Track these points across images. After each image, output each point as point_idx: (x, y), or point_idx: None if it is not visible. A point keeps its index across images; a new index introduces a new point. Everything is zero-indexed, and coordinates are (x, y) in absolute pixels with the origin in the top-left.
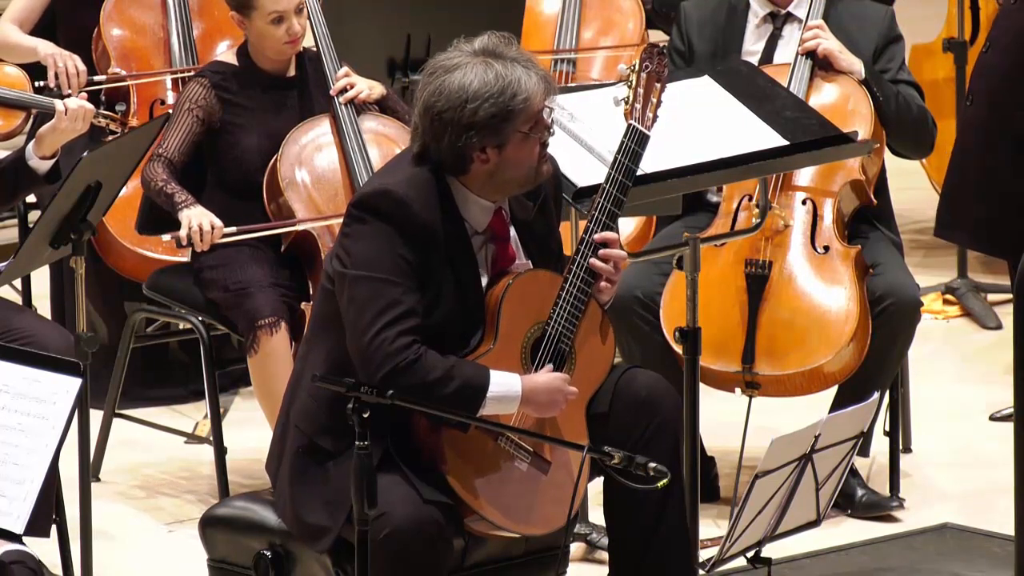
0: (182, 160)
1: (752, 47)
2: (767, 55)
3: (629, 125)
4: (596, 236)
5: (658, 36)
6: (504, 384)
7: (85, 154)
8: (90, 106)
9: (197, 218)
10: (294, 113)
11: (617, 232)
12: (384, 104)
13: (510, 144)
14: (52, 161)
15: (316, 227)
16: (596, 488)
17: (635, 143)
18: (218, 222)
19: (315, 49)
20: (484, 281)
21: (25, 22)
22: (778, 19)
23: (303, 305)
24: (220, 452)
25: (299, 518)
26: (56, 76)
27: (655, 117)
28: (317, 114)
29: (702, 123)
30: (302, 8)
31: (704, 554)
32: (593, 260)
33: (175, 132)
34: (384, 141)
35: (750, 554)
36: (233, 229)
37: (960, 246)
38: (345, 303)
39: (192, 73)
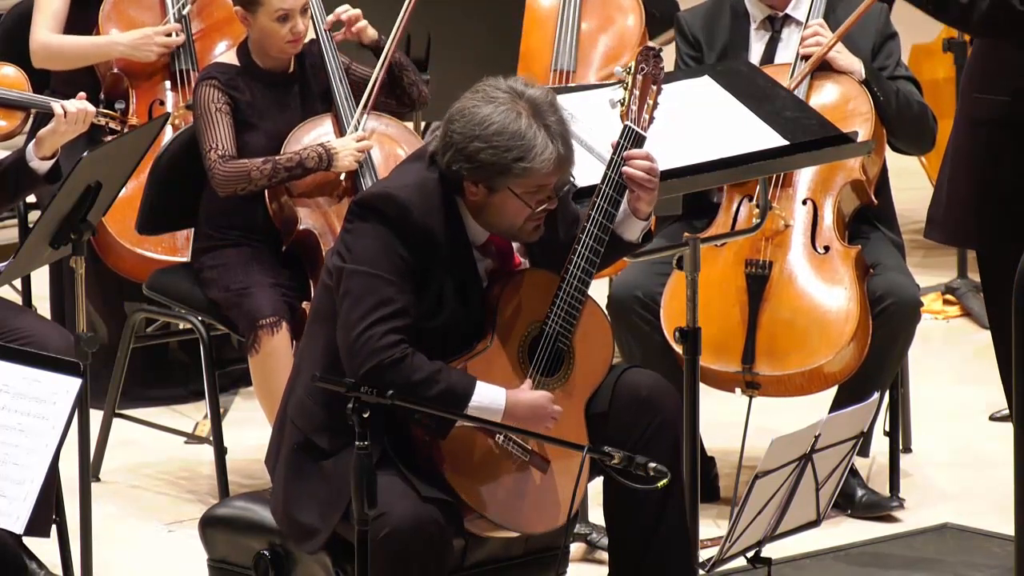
0: (237, 154)
1: (752, 51)
2: (767, 59)
3: (625, 126)
4: (625, 153)
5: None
6: (488, 396)
7: (85, 154)
8: (91, 107)
9: (346, 146)
10: (296, 111)
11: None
12: (378, 47)
13: (498, 193)
14: (52, 161)
15: (317, 226)
16: (596, 488)
17: (631, 144)
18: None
19: (315, 46)
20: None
21: (58, 27)
22: (776, 22)
23: (304, 304)
24: (220, 452)
25: (291, 516)
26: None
27: (651, 119)
28: (317, 109)
29: (702, 123)
30: (307, 8)
31: (704, 554)
32: (624, 169)
33: (219, 130)
34: (386, 141)
35: (750, 554)
36: None
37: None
38: (340, 296)
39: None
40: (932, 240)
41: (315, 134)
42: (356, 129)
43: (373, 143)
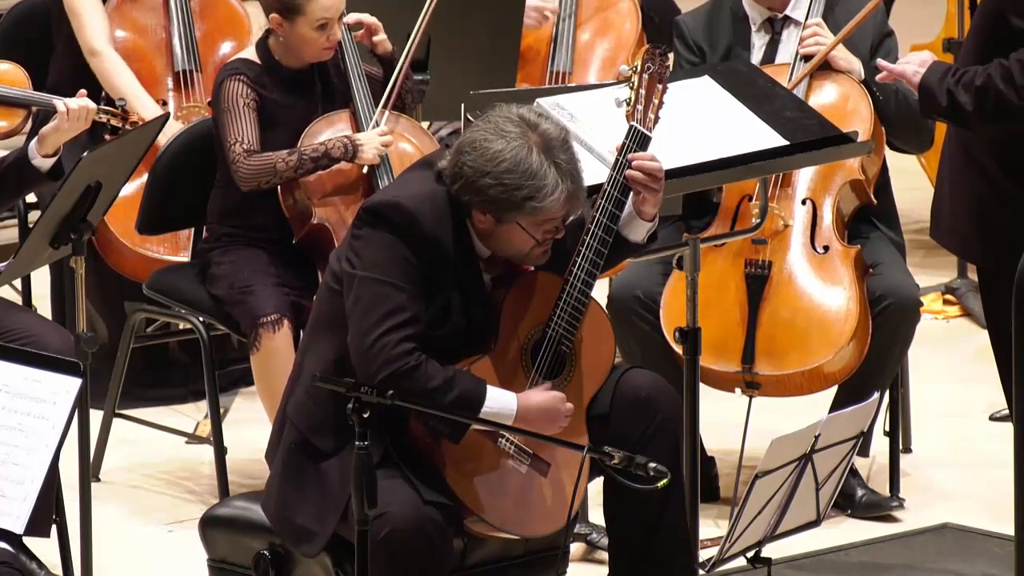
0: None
1: (753, 53)
2: (768, 60)
3: (631, 126)
4: (630, 155)
5: None
6: (500, 401)
7: (85, 154)
8: (92, 104)
9: (371, 140)
10: (317, 110)
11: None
12: (391, 60)
13: (506, 225)
14: (55, 159)
15: (331, 220)
16: (596, 488)
17: (636, 144)
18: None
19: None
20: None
21: (106, 30)
22: (776, 23)
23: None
24: (220, 452)
25: (287, 518)
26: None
27: (657, 118)
28: (337, 107)
29: (702, 123)
30: (343, 15)
31: (704, 554)
32: (629, 172)
33: (245, 124)
34: (401, 139)
35: (750, 554)
36: None
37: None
38: (351, 303)
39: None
40: (936, 242)
41: (331, 131)
42: (378, 125)
43: (393, 140)
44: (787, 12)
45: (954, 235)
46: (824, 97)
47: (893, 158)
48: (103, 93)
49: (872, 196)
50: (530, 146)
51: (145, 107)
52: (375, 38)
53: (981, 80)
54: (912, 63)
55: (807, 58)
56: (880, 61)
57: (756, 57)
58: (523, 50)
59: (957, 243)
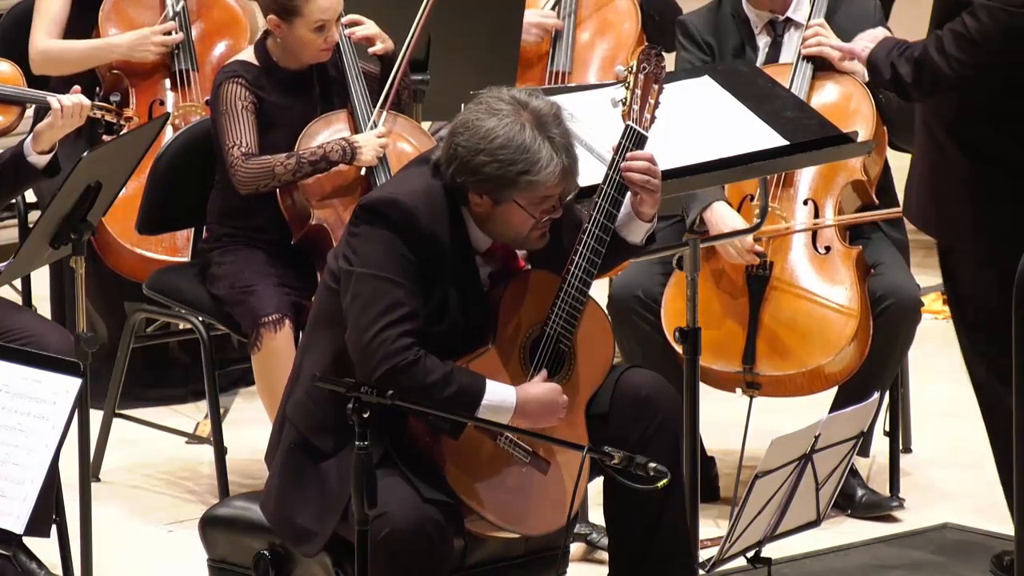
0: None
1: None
2: (770, 62)
3: (627, 126)
4: (629, 154)
5: None
6: (500, 394)
7: (85, 154)
8: (86, 101)
9: (369, 141)
10: (316, 111)
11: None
12: (389, 59)
13: (503, 205)
14: (50, 156)
15: (330, 221)
16: (596, 488)
17: (633, 144)
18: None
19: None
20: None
21: (58, 32)
22: (778, 25)
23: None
24: (220, 452)
25: (287, 518)
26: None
27: (653, 118)
28: (335, 108)
29: (702, 123)
30: (340, 16)
31: (704, 554)
32: (625, 172)
33: (243, 127)
34: (399, 139)
35: (750, 554)
36: None
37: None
38: (349, 300)
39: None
40: (907, 219)
41: (328, 132)
42: (375, 126)
43: (391, 140)
44: (788, 14)
45: (915, 208)
46: (826, 97)
47: (896, 158)
48: (98, 89)
49: (874, 196)
50: (522, 122)
51: (102, 53)
52: (372, 48)
53: (919, 52)
54: (864, 39)
55: (809, 59)
56: (833, 41)
57: (759, 60)
58: (523, 50)
59: (918, 216)
